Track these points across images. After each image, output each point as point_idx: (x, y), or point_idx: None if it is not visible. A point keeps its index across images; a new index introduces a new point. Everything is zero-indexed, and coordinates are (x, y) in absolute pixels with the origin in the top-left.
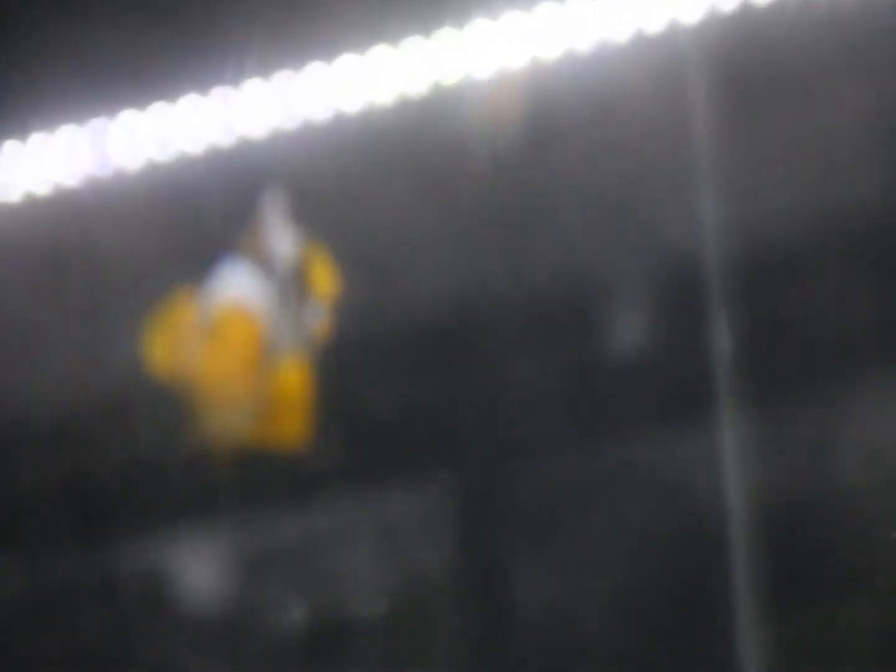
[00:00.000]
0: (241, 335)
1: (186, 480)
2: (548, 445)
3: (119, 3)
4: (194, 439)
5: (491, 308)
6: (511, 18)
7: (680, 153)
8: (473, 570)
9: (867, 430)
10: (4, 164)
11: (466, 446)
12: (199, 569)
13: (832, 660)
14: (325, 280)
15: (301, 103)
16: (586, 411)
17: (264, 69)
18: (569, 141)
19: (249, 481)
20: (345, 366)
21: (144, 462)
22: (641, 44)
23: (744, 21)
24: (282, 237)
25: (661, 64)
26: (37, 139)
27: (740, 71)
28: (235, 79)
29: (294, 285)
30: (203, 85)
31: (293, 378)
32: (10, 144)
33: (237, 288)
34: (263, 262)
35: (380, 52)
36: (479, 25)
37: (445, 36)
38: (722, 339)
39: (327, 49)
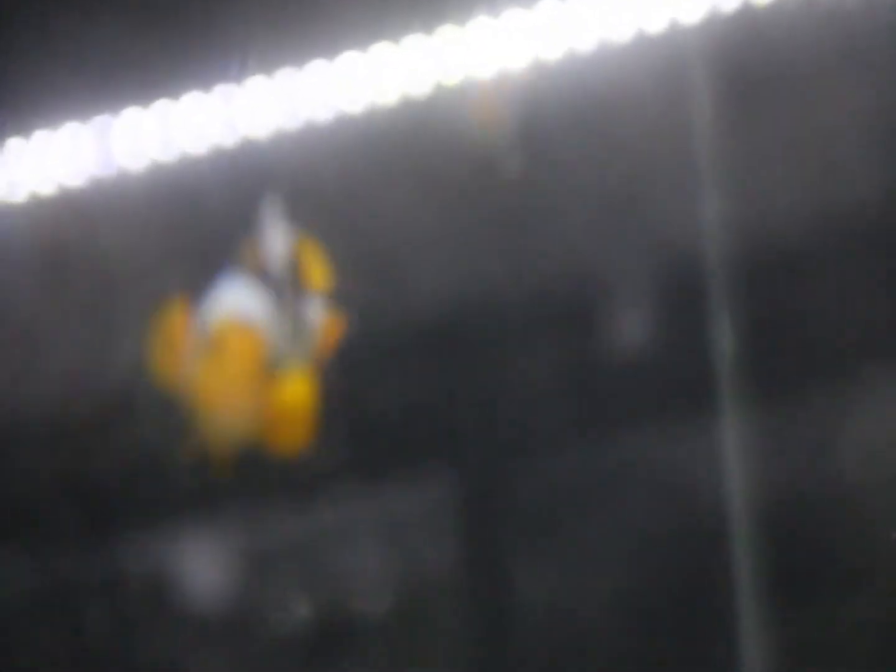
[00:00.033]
0: (241, 352)
1: (190, 478)
2: (550, 444)
3: (122, 1)
4: (195, 444)
5: (494, 307)
6: (512, 17)
7: (682, 152)
8: (475, 568)
9: (869, 430)
10: (7, 162)
11: (468, 445)
12: (202, 567)
13: (833, 660)
14: (318, 273)
15: (303, 101)
16: (588, 410)
17: (266, 67)
18: (570, 140)
19: (252, 480)
20: (347, 365)
21: (148, 460)
22: (643, 43)
23: (745, 21)
24: (280, 245)
25: (663, 64)
26: (40, 136)
27: (741, 70)
28: (238, 76)
29: (291, 286)
30: (206, 82)
31: (296, 389)
32: (14, 142)
33: (236, 302)
34: (262, 274)
35: (382, 50)
36: (481, 24)
37: (447, 34)
38: (724, 338)
39: (329, 47)
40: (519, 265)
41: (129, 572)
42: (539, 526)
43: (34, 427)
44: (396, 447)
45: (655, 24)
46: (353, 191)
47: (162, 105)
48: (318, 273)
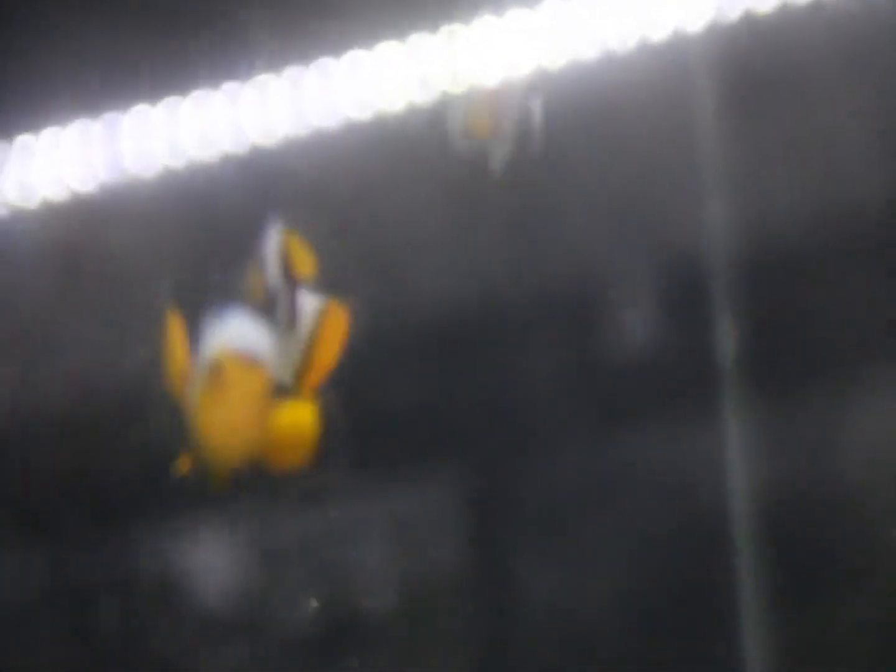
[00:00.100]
0: (243, 390)
1: (198, 476)
2: (553, 444)
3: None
4: (194, 461)
5: (499, 308)
6: (516, 22)
7: (685, 156)
8: (478, 567)
9: (870, 430)
10: (16, 162)
11: (471, 445)
12: (206, 566)
13: (833, 660)
14: (307, 262)
15: (309, 100)
16: (592, 410)
17: (274, 65)
18: (575, 144)
19: (256, 481)
20: (354, 365)
21: (157, 458)
22: (646, 50)
23: (748, 29)
24: (280, 262)
25: (666, 71)
26: (49, 135)
27: (744, 76)
28: (245, 75)
29: (284, 282)
30: (213, 81)
31: (298, 416)
32: (22, 140)
33: (239, 336)
34: (264, 304)
35: (387, 49)
36: (486, 26)
37: (453, 33)
38: (727, 338)
39: (335, 46)
40: (523, 266)
41: (135, 571)
42: (542, 525)
43: (42, 427)
44: (400, 447)
45: (659, 33)
46: (360, 191)
47: (170, 103)
48: (307, 262)
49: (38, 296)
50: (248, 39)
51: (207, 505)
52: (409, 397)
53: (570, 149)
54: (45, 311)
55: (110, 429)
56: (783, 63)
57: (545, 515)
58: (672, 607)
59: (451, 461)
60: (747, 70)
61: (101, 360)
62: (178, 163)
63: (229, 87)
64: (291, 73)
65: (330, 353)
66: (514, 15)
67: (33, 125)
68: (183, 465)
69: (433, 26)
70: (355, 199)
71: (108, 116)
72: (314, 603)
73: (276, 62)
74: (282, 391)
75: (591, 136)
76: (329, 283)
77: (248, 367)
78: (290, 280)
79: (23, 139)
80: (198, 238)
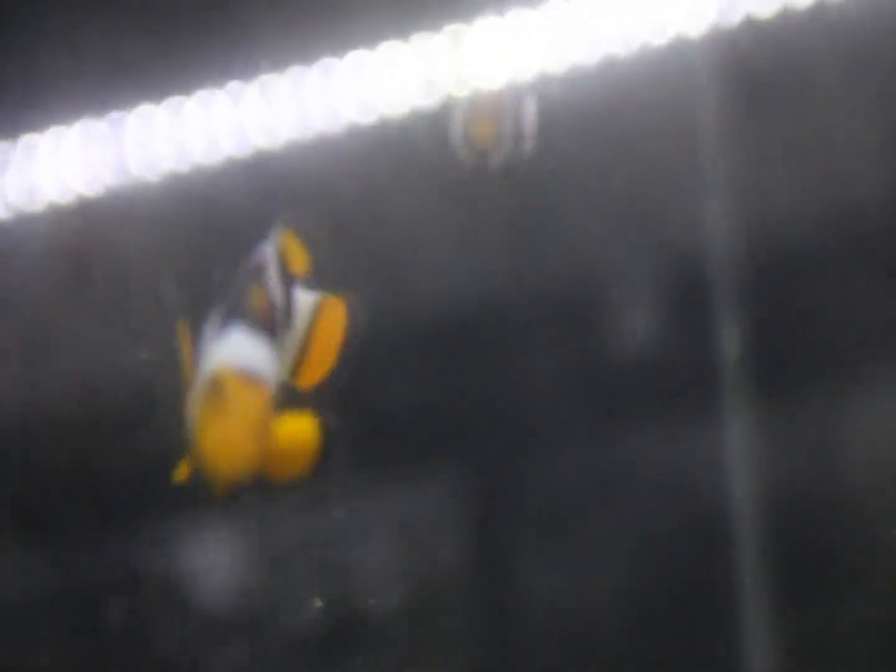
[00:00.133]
0: (242, 409)
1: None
2: (555, 444)
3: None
4: (193, 470)
5: (501, 308)
6: (518, 25)
7: (687, 159)
8: (480, 566)
9: (871, 431)
10: (19, 162)
11: (472, 445)
12: (208, 565)
13: (833, 660)
14: (301, 258)
15: (312, 100)
16: (594, 410)
17: (277, 65)
18: (579, 147)
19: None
20: (358, 364)
21: (160, 458)
22: (649, 54)
23: (749, 32)
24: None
25: (668, 74)
26: (52, 134)
27: (746, 80)
28: (247, 75)
29: (280, 279)
30: (217, 80)
31: (297, 429)
32: (26, 140)
33: (239, 354)
34: (265, 319)
35: (390, 49)
36: (486, 32)
37: (456, 33)
38: (728, 338)
39: (338, 45)
40: (525, 267)
41: (137, 571)
42: (543, 525)
43: (44, 428)
44: (401, 447)
45: (660, 38)
46: (359, 192)
47: (174, 102)
48: (302, 260)
49: (41, 297)
50: (252, 39)
51: (209, 505)
52: (409, 397)
53: (573, 150)
54: (48, 312)
55: (111, 429)
56: (784, 66)
57: (545, 515)
58: (672, 607)
59: (451, 461)
60: (749, 73)
61: (104, 361)
62: (181, 163)
63: (233, 86)
64: (294, 72)
65: (328, 347)
66: (517, 16)
67: (37, 125)
68: (182, 472)
69: (436, 26)
70: (356, 198)
71: (113, 116)
72: (316, 603)
73: (279, 62)
74: (283, 392)
75: (593, 138)
76: (331, 283)
77: (247, 384)
78: (286, 278)
79: (27, 139)
80: (201, 241)
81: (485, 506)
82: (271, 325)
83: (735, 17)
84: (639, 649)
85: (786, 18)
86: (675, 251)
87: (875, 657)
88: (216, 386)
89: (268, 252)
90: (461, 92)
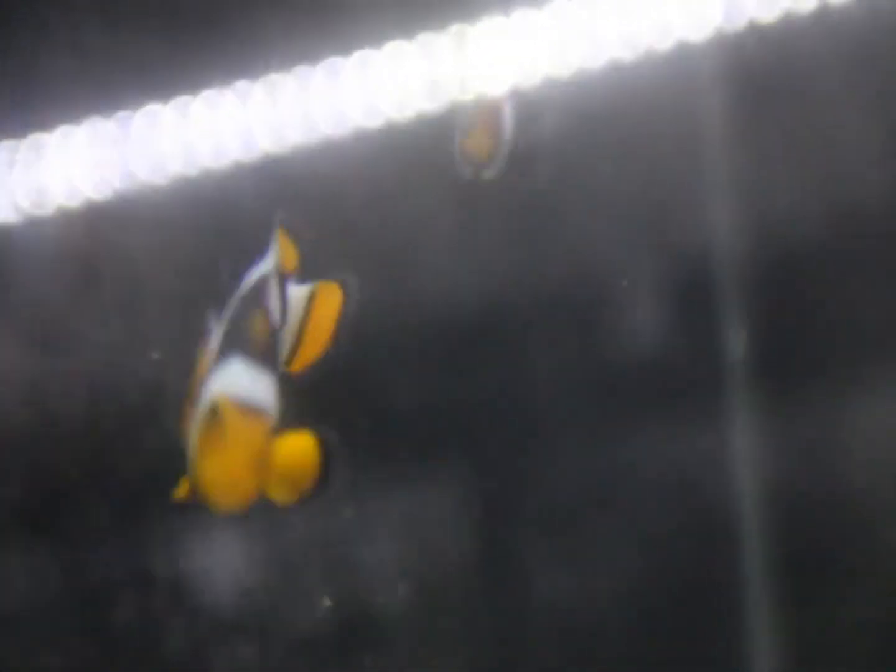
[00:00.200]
0: (241, 437)
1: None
2: (557, 444)
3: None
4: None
5: (508, 308)
6: (522, 28)
7: (691, 162)
8: (487, 564)
9: (874, 431)
10: (26, 162)
11: (480, 443)
12: (221, 563)
13: (833, 660)
14: (292, 254)
15: (318, 99)
16: (595, 410)
17: (284, 65)
18: (584, 150)
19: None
20: (366, 363)
21: (162, 458)
22: (653, 58)
23: (753, 36)
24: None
25: (672, 78)
26: (59, 134)
27: (749, 83)
28: (254, 74)
29: (276, 278)
30: (224, 80)
31: (297, 448)
32: (33, 140)
33: (239, 384)
34: (267, 349)
35: (395, 49)
36: (490, 34)
37: (460, 35)
38: (731, 338)
39: (344, 45)
40: (532, 268)
41: (143, 571)
42: (544, 525)
43: (49, 428)
44: (402, 447)
45: (664, 43)
46: (362, 192)
47: (181, 102)
48: (292, 255)
49: (49, 299)
50: (259, 39)
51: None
52: (411, 397)
53: (578, 153)
54: (56, 314)
55: (118, 430)
56: (787, 70)
57: (546, 515)
58: (673, 607)
59: (452, 461)
60: (752, 75)
61: (113, 362)
62: (189, 164)
63: (240, 86)
64: (300, 72)
65: (322, 329)
66: (521, 20)
67: (44, 125)
68: (182, 490)
69: (441, 26)
70: (359, 198)
71: (120, 116)
72: (325, 602)
73: (286, 61)
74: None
75: (598, 141)
76: (324, 273)
77: (246, 415)
78: (280, 274)
79: (34, 139)
80: (208, 243)
81: (487, 506)
82: (272, 355)
83: (739, 21)
84: (639, 649)
85: (789, 22)
86: (677, 252)
87: (875, 657)
88: (215, 416)
89: (269, 267)
90: (464, 97)
